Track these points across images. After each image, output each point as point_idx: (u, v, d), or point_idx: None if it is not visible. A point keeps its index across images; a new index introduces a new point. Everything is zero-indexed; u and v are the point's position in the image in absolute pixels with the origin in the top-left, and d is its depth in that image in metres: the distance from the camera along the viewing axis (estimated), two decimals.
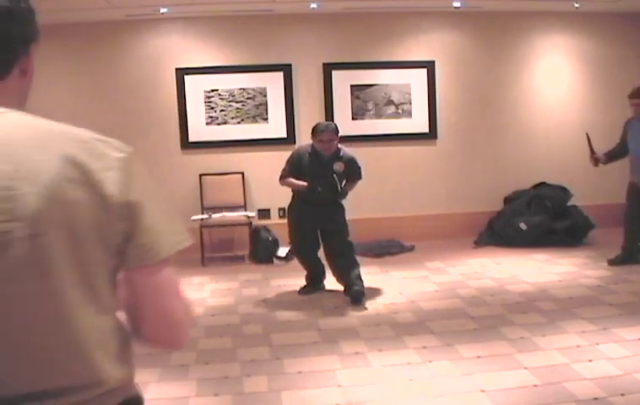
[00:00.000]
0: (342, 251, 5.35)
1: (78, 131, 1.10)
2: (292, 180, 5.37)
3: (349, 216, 5.52)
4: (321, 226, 5.42)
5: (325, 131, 5.28)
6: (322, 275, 5.68)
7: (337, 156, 5.31)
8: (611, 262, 6.15)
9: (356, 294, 5.21)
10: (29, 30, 1.13)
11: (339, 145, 5.37)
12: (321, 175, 5.25)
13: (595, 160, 6.32)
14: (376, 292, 5.51)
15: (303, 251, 5.60)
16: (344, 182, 5.31)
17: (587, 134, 6.40)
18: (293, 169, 5.38)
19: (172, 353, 4.16)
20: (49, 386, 1.05)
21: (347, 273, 5.33)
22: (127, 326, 1.17)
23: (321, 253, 5.59)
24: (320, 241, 5.51)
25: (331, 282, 5.60)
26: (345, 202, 5.51)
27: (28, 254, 1.00)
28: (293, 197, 5.52)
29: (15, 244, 0.99)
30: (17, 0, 1.10)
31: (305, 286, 5.68)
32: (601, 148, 6.36)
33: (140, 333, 1.18)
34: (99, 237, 1.05)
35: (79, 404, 1.08)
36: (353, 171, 5.35)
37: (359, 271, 5.37)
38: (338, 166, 5.28)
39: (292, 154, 5.50)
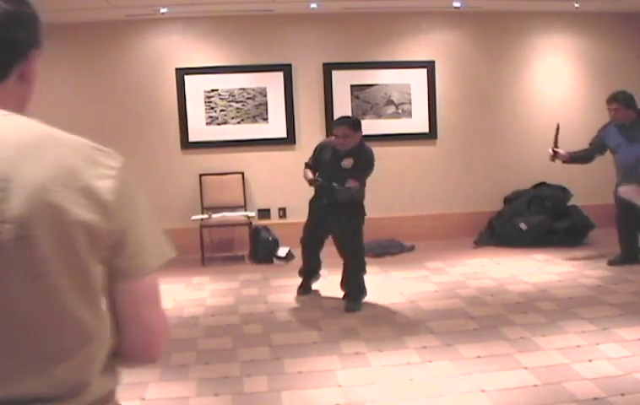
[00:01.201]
0: (350, 253, 5.27)
1: (76, 138, 1.10)
2: (307, 171, 5.33)
3: None
4: (331, 226, 5.28)
5: (339, 125, 5.11)
6: (315, 274, 5.65)
7: (353, 152, 5.07)
8: (611, 263, 6.14)
9: (350, 309, 5.13)
10: (29, 35, 1.14)
11: (364, 143, 5.14)
12: (330, 169, 5.14)
13: (554, 154, 6.26)
14: (376, 292, 5.51)
15: (307, 243, 5.52)
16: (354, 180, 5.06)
17: (557, 125, 6.30)
18: (314, 159, 5.37)
19: (172, 354, 4.17)
20: (42, 391, 1.05)
21: (349, 282, 5.28)
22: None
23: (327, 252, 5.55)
24: (324, 239, 5.47)
25: (332, 285, 5.59)
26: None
27: (19, 255, 1.00)
28: (315, 190, 5.40)
29: (6, 245, 0.99)
30: (18, 3, 1.11)
31: (301, 284, 5.65)
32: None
33: (119, 344, 1.16)
34: (90, 243, 1.05)
35: None
36: (359, 166, 5.07)
37: (361, 279, 5.28)
38: (347, 162, 5.08)
39: (317, 145, 5.49)
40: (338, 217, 5.19)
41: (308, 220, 5.48)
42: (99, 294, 1.09)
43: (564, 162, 6.36)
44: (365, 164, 5.12)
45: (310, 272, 5.65)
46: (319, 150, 5.37)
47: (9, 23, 1.09)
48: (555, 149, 6.27)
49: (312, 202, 5.44)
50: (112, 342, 1.15)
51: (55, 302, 1.04)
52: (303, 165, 5.45)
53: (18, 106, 1.13)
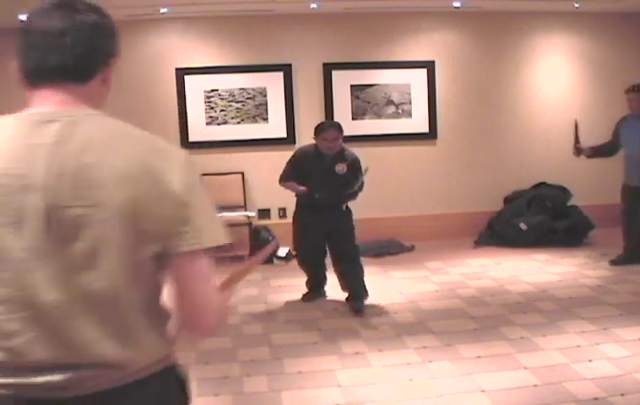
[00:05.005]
0: (348, 255, 5.22)
1: (148, 134, 1.32)
2: (293, 183, 5.24)
3: None
4: (327, 230, 5.23)
5: (330, 129, 5.14)
6: (324, 281, 5.55)
7: (341, 156, 5.16)
8: (613, 263, 6.12)
9: (358, 309, 5.11)
10: (111, 45, 1.37)
11: (343, 144, 5.23)
12: (322, 177, 5.12)
13: (578, 150, 6.31)
14: (376, 292, 5.50)
15: (308, 259, 5.43)
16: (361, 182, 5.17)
17: (575, 121, 6.39)
18: (294, 170, 5.24)
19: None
20: (90, 359, 1.23)
21: (351, 282, 5.23)
22: (169, 309, 1.36)
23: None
24: (326, 246, 5.35)
25: (332, 286, 5.59)
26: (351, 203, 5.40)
27: (100, 234, 1.20)
28: (297, 202, 5.37)
29: (93, 225, 1.20)
30: (103, 16, 1.34)
31: (307, 293, 5.53)
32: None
33: (177, 315, 1.33)
34: (157, 228, 1.24)
35: (118, 378, 1.26)
36: (355, 174, 5.16)
37: (363, 278, 5.25)
38: (341, 168, 5.12)
39: (295, 154, 5.36)
40: (336, 220, 5.21)
41: (301, 236, 5.35)
42: (152, 271, 1.28)
43: (588, 157, 6.36)
44: (357, 165, 5.19)
45: (318, 281, 5.49)
46: (300, 159, 5.24)
47: (98, 32, 1.33)
48: (579, 146, 6.29)
49: (300, 215, 5.33)
50: (167, 314, 1.35)
51: (112, 275, 1.22)
52: (279, 179, 5.33)
53: (99, 104, 1.36)
